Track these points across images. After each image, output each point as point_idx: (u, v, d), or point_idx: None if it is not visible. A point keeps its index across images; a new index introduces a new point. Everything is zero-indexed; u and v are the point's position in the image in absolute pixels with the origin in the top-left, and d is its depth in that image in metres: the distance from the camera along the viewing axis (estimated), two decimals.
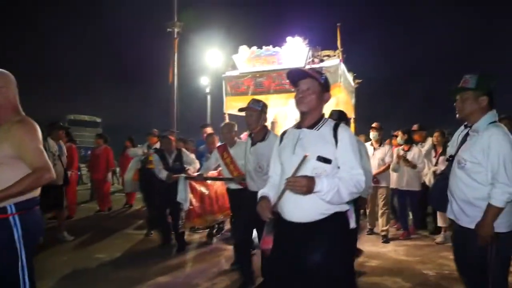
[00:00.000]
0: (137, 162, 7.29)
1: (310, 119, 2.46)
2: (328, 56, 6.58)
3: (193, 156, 6.24)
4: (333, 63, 6.66)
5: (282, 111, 7.87)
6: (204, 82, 25.48)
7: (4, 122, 2.45)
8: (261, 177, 3.86)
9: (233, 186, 5.03)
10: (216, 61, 21.87)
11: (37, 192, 2.52)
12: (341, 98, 7.18)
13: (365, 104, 8.43)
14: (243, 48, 6.98)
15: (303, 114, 2.48)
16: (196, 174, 5.56)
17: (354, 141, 2.40)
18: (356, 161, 2.35)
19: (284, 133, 2.66)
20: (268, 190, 2.58)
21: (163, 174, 5.73)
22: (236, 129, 5.16)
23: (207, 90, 25.37)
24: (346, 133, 2.38)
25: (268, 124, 7.65)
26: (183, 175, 5.52)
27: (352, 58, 7.60)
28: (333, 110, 4.83)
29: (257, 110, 3.96)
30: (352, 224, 2.45)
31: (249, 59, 6.96)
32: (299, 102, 2.45)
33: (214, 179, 5.75)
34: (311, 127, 2.45)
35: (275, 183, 2.60)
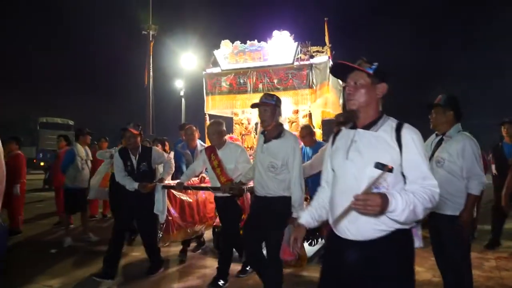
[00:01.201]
0: (106, 166, 6.49)
1: (364, 117, 2.09)
2: (318, 52, 6.00)
3: (166, 154, 5.26)
4: (322, 60, 6.10)
5: None
6: (179, 84, 25.25)
7: None
8: (273, 177, 3.54)
9: (220, 194, 4.45)
10: (191, 63, 22.10)
11: None
12: (329, 98, 6.63)
13: None
14: (225, 43, 6.31)
15: (355, 113, 2.11)
16: (175, 182, 4.82)
17: (423, 144, 2.05)
18: (428, 170, 1.97)
19: (336, 133, 2.29)
20: (310, 213, 2.30)
21: (131, 184, 4.65)
22: (224, 128, 4.53)
23: (181, 93, 25.12)
24: (413, 135, 2.00)
25: (251, 126, 7.16)
26: (160, 183, 4.75)
27: (341, 55, 7.04)
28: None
29: (271, 104, 3.55)
30: (417, 244, 2.09)
31: (231, 55, 6.29)
32: (347, 100, 2.12)
33: (197, 188, 5.02)
34: (367, 127, 2.08)
35: (325, 194, 2.28)
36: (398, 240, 1.97)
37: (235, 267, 4.84)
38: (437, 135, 3.50)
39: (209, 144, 4.67)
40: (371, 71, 2.06)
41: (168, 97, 26.67)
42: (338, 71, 2.23)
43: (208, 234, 6.11)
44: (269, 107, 3.54)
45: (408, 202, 1.80)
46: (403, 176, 1.97)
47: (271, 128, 3.59)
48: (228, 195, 4.35)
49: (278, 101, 3.64)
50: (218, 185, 4.44)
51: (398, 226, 1.94)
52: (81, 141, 6.83)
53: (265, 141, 3.62)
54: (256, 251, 3.78)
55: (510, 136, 5.83)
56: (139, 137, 4.83)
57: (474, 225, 6.17)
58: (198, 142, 5.91)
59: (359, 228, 1.97)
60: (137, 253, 5.77)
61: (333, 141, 2.28)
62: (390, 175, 1.91)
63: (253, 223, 3.75)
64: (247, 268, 4.82)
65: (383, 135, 2.02)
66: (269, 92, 4.10)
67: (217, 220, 5.64)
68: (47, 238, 7.06)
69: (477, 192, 3.26)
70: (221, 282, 4.40)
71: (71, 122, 23.45)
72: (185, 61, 22.27)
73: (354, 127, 2.14)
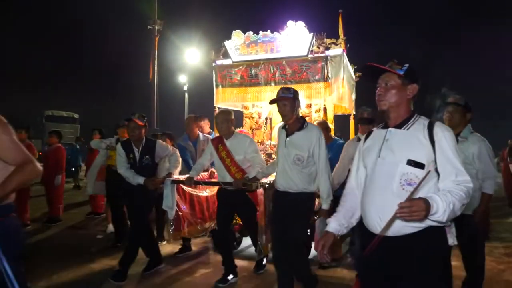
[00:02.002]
0: (103, 158, 6.01)
1: (395, 117, 2.12)
2: (334, 44, 5.70)
3: (170, 147, 4.83)
4: (337, 52, 5.80)
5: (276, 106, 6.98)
6: (182, 79, 25.12)
7: None
8: (299, 171, 3.41)
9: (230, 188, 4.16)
10: (195, 58, 22.14)
11: (13, 198, 2.27)
12: (343, 93, 6.34)
13: (365, 100, 7.62)
14: (237, 34, 6.01)
15: (386, 113, 2.14)
16: (185, 176, 4.56)
17: (455, 141, 2.05)
18: (461, 166, 1.97)
19: (369, 133, 2.32)
20: (337, 220, 2.26)
21: (134, 178, 4.34)
22: (232, 117, 4.30)
23: (185, 88, 24.96)
24: (445, 132, 2.02)
25: (262, 120, 6.89)
26: (169, 178, 4.49)
27: (355, 48, 6.74)
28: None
29: (290, 98, 3.44)
30: (451, 241, 2.05)
31: (243, 46, 6.00)
32: (377, 101, 2.15)
33: (208, 183, 4.76)
34: (399, 126, 2.11)
35: (353, 198, 2.27)
36: (431, 236, 1.95)
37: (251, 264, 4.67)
38: None
39: (218, 135, 4.43)
40: (401, 73, 2.09)
41: (172, 92, 26.46)
42: (369, 72, 2.23)
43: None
44: (288, 101, 3.43)
45: (447, 202, 1.80)
46: (437, 172, 1.97)
47: (293, 122, 3.49)
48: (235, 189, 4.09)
49: (295, 93, 3.53)
50: (227, 177, 4.21)
51: (431, 222, 1.90)
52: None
53: (288, 135, 3.50)
54: (283, 251, 3.52)
55: None
56: (144, 129, 4.50)
57: (489, 226, 5.91)
58: (200, 133, 5.68)
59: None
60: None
61: (365, 140, 2.31)
62: (421, 171, 1.93)
63: (277, 220, 3.60)
64: (264, 263, 4.61)
65: (415, 133, 2.04)
66: (285, 86, 3.90)
67: None
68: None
69: (491, 192, 3.40)
70: (230, 277, 4.23)
71: (76, 116, 23.40)
72: (189, 56, 22.17)
73: (385, 126, 2.17)
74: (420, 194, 1.88)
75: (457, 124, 3.43)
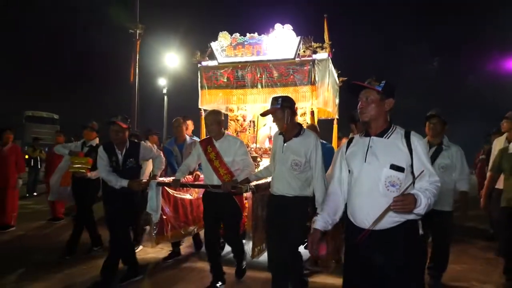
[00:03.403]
0: (67, 163, 5.45)
1: (375, 127, 2.39)
2: (320, 48, 5.59)
3: (155, 149, 4.63)
4: (323, 56, 5.69)
5: (261, 108, 6.82)
6: (162, 82, 24.77)
7: None
8: (296, 176, 3.41)
9: (219, 191, 3.96)
10: (174, 61, 22.27)
11: None
12: (327, 97, 6.24)
13: (349, 105, 7.55)
14: (223, 35, 5.82)
15: (367, 124, 2.40)
16: (171, 179, 4.32)
17: (427, 149, 2.51)
18: (432, 168, 2.31)
19: (350, 141, 2.56)
20: (323, 218, 2.48)
21: (117, 180, 4.10)
22: (222, 118, 4.14)
23: (164, 91, 24.62)
24: (420, 141, 2.33)
25: (247, 123, 6.71)
26: (154, 180, 4.24)
27: (340, 53, 6.67)
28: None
29: (277, 108, 3.43)
30: (420, 231, 2.38)
31: (229, 48, 5.81)
32: (360, 113, 2.40)
33: (195, 186, 4.54)
34: (380, 135, 2.37)
35: (337, 197, 2.52)
36: (408, 228, 2.27)
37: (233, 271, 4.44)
38: (430, 144, 4.00)
39: (206, 136, 4.23)
40: (379, 89, 2.34)
41: (151, 95, 26.11)
42: (351, 88, 2.47)
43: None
44: (277, 112, 3.44)
45: (427, 198, 2.13)
46: (412, 174, 2.26)
47: (288, 129, 3.48)
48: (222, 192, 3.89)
49: (284, 101, 3.49)
50: (215, 179, 4.01)
51: (409, 217, 2.23)
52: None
53: (285, 141, 3.50)
54: (281, 255, 3.46)
55: None
56: (128, 131, 4.26)
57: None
58: (187, 136, 5.43)
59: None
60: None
61: (347, 147, 2.53)
62: (402, 174, 2.23)
63: (274, 225, 3.53)
64: (243, 267, 4.41)
65: (394, 142, 2.32)
66: (275, 94, 3.93)
67: None
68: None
69: (468, 189, 4.04)
70: (219, 284, 4.02)
71: (56, 116, 22.89)
72: (169, 60, 22.19)
73: (367, 135, 2.41)
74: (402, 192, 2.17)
75: (438, 133, 3.98)
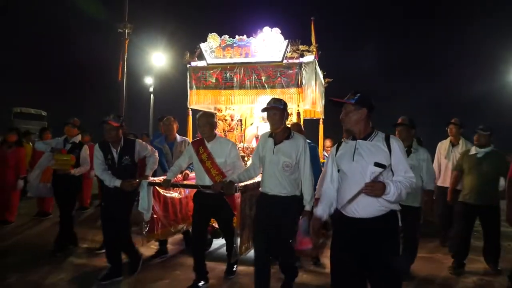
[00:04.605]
0: (47, 159, 5.31)
1: (358, 132, 2.76)
2: (308, 51, 5.65)
3: (149, 147, 4.54)
4: (310, 59, 5.75)
5: (248, 109, 6.86)
6: (148, 81, 24.63)
7: None
8: (287, 177, 3.55)
9: (209, 191, 4.01)
10: (161, 61, 22.47)
11: None
12: (314, 98, 6.31)
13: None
14: (213, 37, 5.82)
15: (350, 130, 2.80)
16: (162, 178, 4.33)
17: (403, 148, 2.74)
18: (408, 166, 2.70)
19: (339, 145, 2.93)
20: (323, 208, 2.89)
21: (111, 180, 4.14)
22: (215, 119, 4.21)
23: (151, 89, 24.49)
24: (398, 143, 2.72)
25: (234, 123, 6.75)
26: (145, 180, 4.24)
27: (326, 55, 6.75)
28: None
29: (280, 108, 3.58)
30: (400, 223, 2.75)
31: (218, 49, 5.83)
32: (342, 122, 2.82)
33: (186, 186, 4.55)
34: (364, 138, 2.75)
35: (331, 192, 2.88)
36: (391, 216, 2.67)
37: (222, 267, 4.50)
38: None
39: (196, 137, 4.26)
40: (353, 101, 2.72)
41: (138, 93, 25.92)
42: (332, 104, 2.90)
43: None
44: (278, 112, 3.57)
45: (397, 188, 2.55)
46: (392, 171, 2.66)
47: (281, 131, 3.62)
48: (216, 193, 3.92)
49: (285, 105, 3.68)
50: (207, 180, 4.04)
51: (391, 207, 2.66)
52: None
53: (275, 144, 3.62)
54: (267, 251, 3.67)
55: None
56: (121, 130, 4.24)
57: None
58: (177, 135, 5.43)
59: (365, 209, 2.63)
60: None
61: (336, 150, 2.90)
62: (385, 170, 2.61)
63: (263, 224, 3.66)
64: (234, 269, 4.45)
65: (377, 144, 2.71)
66: (276, 97, 3.96)
67: None
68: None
69: (433, 188, 4.57)
70: (201, 283, 4.05)
71: (43, 113, 22.46)
72: (156, 59, 22.30)
73: (354, 139, 2.79)
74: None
75: (405, 138, 4.31)
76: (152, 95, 24.64)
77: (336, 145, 2.95)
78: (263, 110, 3.69)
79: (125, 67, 17.49)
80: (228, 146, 4.10)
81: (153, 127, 22.78)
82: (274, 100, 3.66)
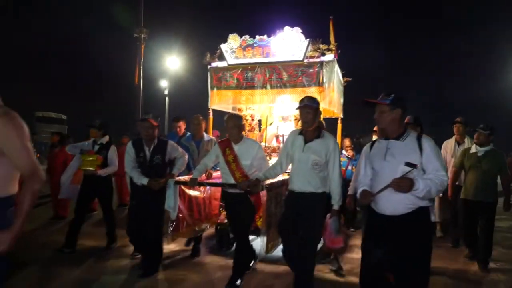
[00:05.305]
0: (77, 161, 5.38)
1: (391, 132, 2.83)
2: (328, 49, 5.59)
3: (180, 149, 4.57)
4: (330, 58, 5.69)
5: (267, 108, 6.83)
6: (163, 84, 25.03)
7: None
8: (316, 174, 3.52)
9: (233, 190, 3.98)
10: (175, 64, 22.84)
11: (16, 189, 2.11)
12: (333, 97, 6.24)
13: (353, 104, 7.56)
14: (233, 37, 5.80)
15: (384, 130, 2.89)
16: (188, 177, 4.32)
17: (437, 148, 2.77)
18: (440, 165, 2.70)
19: (373, 143, 3.04)
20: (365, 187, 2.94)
21: (139, 178, 4.17)
22: (243, 122, 4.19)
23: (166, 92, 24.89)
24: (429, 142, 2.75)
25: (255, 122, 6.72)
26: (172, 179, 4.23)
27: (346, 54, 6.66)
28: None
29: (314, 107, 3.54)
30: (433, 218, 2.86)
31: (239, 50, 5.80)
32: (377, 122, 2.93)
33: (212, 184, 4.53)
34: (396, 138, 2.81)
35: (366, 183, 2.95)
36: (420, 213, 2.70)
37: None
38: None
39: (226, 138, 4.22)
40: (388, 102, 2.77)
41: (153, 96, 26.21)
42: (365, 104, 2.94)
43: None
44: (312, 110, 3.52)
45: (426, 184, 2.58)
46: (423, 170, 2.69)
47: (313, 129, 3.58)
48: (241, 191, 3.90)
49: (318, 104, 3.65)
50: (232, 180, 4.00)
51: (421, 204, 2.68)
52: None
53: (306, 142, 3.59)
54: (295, 249, 3.62)
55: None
56: (157, 129, 4.30)
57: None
58: (205, 133, 5.45)
59: (394, 206, 2.70)
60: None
61: (370, 148, 3.00)
62: (415, 170, 2.63)
63: (291, 221, 3.63)
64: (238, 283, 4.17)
65: (409, 143, 2.76)
66: (309, 96, 3.88)
67: (221, 217, 5.21)
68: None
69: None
70: (238, 282, 3.98)
71: (64, 117, 23.10)
72: (170, 62, 22.68)
73: (386, 138, 2.86)
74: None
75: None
76: (167, 98, 24.97)
77: (370, 144, 3.05)
78: (298, 108, 3.61)
79: (141, 71, 17.68)
80: (255, 148, 4.08)
81: (168, 129, 22.97)
82: (308, 99, 3.61)
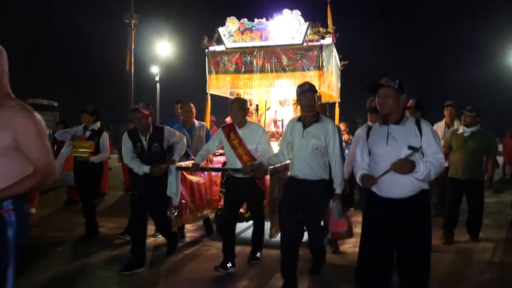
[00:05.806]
0: (68, 148, 5.25)
1: (393, 117, 2.81)
2: (327, 32, 5.49)
3: (178, 133, 4.43)
4: (328, 41, 5.60)
5: (265, 93, 6.73)
6: (154, 70, 24.67)
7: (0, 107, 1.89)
8: (317, 159, 3.50)
9: (240, 175, 3.92)
10: (167, 50, 22.67)
11: None
12: (331, 81, 6.17)
13: (349, 88, 7.49)
14: (231, 20, 5.65)
15: (387, 115, 2.82)
16: (190, 163, 4.24)
17: (435, 132, 2.83)
18: (438, 148, 2.77)
19: (369, 129, 2.96)
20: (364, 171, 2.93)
21: (140, 167, 4.07)
22: (248, 106, 4.12)
23: (157, 78, 24.56)
24: (428, 126, 2.82)
25: (253, 107, 6.62)
26: (173, 165, 4.13)
27: (344, 37, 6.57)
28: None
29: (316, 91, 3.58)
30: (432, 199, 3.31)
31: (237, 33, 5.66)
32: (380, 106, 2.80)
33: (215, 169, 4.47)
34: (396, 123, 2.80)
35: (364, 167, 2.93)
36: (423, 195, 2.80)
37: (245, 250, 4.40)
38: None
39: (229, 122, 4.16)
40: (396, 86, 2.75)
41: (144, 82, 25.88)
42: (370, 86, 2.89)
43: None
44: (314, 94, 3.51)
45: (426, 167, 2.63)
46: (422, 153, 2.72)
47: (312, 114, 3.53)
48: (248, 176, 3.84)
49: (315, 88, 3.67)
50: (238, 165, 3.94)
51: (422, 186, 2.76)
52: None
53: (305, 127, 3.54)
54: (296, 234, 3.68)
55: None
56: (150, 117, 4.16)
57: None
58: (195, 120, 5.34)
59: (401, 189, 2.73)
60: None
61: (367, 135, 2.94)
62: (417, 152, 2.66)
63: (292, 206, 3.60)
64: (258, 255, 4.33)
65: (409, 127, 2.78)
66: (308, 82, 3.81)
67: (221, 203, 5.15)
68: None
69: None
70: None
71: (55, 104, 22.74)
72: (161, 48, 22.41)
73: (385, 123, 2.82)
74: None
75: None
76: (158, 84, 24.69)
77: (366, 129, 2.99)
78: (300, 93, 3.52)
79: (132, 57, 17.40)
80: (259, 132, 4.03)
81: (160, 115, 22.75)
82: (309, 84, 3.57)
